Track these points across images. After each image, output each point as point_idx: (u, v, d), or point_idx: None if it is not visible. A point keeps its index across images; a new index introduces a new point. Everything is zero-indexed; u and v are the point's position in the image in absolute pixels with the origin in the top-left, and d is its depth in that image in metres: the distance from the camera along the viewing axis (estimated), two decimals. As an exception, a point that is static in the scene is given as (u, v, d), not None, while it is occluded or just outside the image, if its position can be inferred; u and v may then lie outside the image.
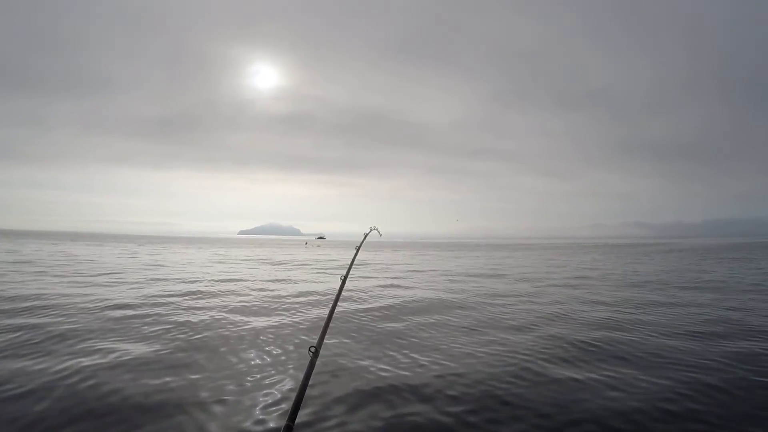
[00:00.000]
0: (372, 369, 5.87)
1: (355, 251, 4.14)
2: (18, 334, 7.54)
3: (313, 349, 2.08)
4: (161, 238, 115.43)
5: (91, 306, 10.34)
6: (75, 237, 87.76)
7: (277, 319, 9.48)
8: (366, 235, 4.53)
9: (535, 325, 8.61)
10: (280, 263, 28.81)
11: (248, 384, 5.35)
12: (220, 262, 27.97)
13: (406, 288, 15.14)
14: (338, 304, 2.62)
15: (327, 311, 2.54)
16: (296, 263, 28.69)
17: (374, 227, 4.64)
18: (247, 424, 4.18)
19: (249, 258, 33.77)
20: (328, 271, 23.12)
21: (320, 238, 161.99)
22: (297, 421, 1.69)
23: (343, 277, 3.07)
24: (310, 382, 1.95)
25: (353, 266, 3.44)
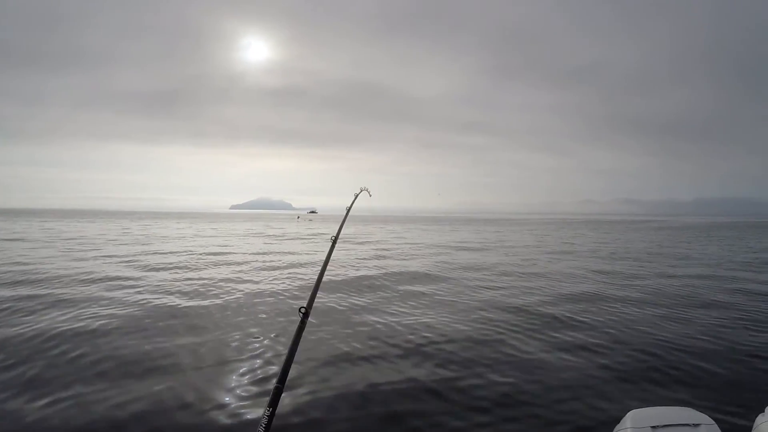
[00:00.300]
0: (360, 333, 6.04)
1: (345, 212, 4.07)
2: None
3: (303, 310, 2.04)
4: (162, 214, 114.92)
5: (83, 278, 10.32)
6: (76, 214, 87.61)
7: (269, 285, 9.59)
8: (356, 196, 4.43)
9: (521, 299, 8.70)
10: (273, 236, 28.80)
11: (238, 347, 5.44)
12: (213, 236, 27.94)
13: (397, 260, 15.22)
14: (330, 268, 2.61)
15: (317, 275, 2.48)
16: (289, 236, 28.68)
17: (364, 188, 4.53)
18: (238, 386, 4.24)
19: (241, 232, 33.70)
20: (320, 242, 23.19)
21: (312, 212, 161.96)
22: (287, 382, 1.68)
23: (333, 238, 3.00)
24: (300, 345, 1.91)
25: (343, 228, 3.38)
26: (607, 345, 5.64)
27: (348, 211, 4.10)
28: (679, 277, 11.59)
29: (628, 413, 2.05)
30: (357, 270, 12.17)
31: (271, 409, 1.57)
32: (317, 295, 2.22)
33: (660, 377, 4.62)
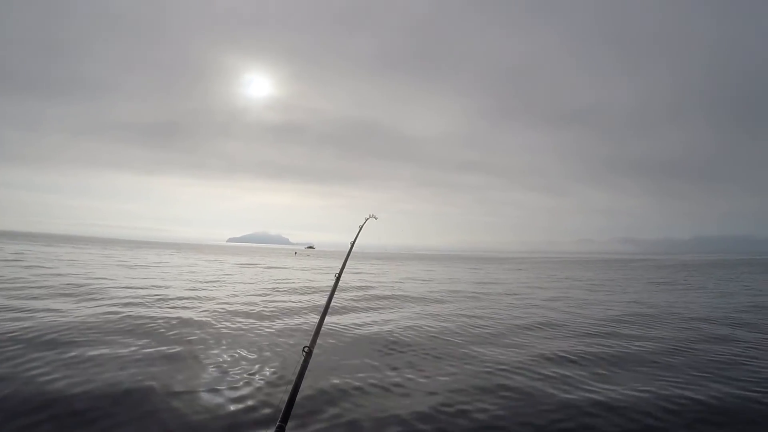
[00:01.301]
0: (362, 373, 6.06)
1: (350, 246, 4.13)
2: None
3: (306, 349, 2.14)
4: (159, 244, 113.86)
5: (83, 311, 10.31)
6: (69, 240, 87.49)
7: (271, 321, 9.65)
8: (361, 228, 4.46)
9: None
10: (271, 268, 28.68)
11: (241, 384, 5.51)
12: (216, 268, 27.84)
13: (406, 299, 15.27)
14: (332, 305, 2.70)
15: (320, 313, 2.59)
16: (290, 269, 28.60)
17: (371, 214, 4.53)
18: (240, 424, 4.33)
19: (241, 264, 33.50)
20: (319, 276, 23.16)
21: (309, 247, 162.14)
22: (289, 422, 1.74)
23: (337, 275, 3.13)
24: (303, 383, 2.01)
25: (347, 264, 3.52)
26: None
27: (352, 245, 4.09)
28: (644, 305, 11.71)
29: None
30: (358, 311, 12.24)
31: None
32: (320, 333, 2.36)
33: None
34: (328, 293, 2.81)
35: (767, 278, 28.85)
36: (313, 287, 17.41)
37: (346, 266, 3.53)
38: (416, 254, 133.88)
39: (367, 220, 4.61)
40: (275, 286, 17.99)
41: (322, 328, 2.41)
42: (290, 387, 1.91)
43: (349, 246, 4.06)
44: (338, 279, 2.95)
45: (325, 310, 2.61)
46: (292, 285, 17.57)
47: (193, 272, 23.90)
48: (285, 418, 1.75)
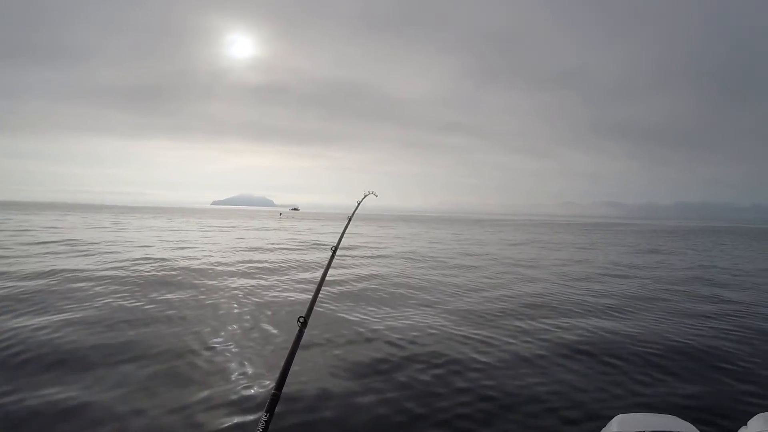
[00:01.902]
0: (358, 343, 6.14)
1: (347, 220, 4.02)
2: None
3: (301, 320, 2.08)
4: (146, 209, 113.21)
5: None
6: (52, 207, 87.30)
7: (267, 291, 9.58)
8: (359, 203, 4.35)
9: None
10: (261, 230, 28.59)
11: (236, 353, 5.52)
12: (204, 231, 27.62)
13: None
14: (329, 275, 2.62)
15: (316, 283, 2.52)
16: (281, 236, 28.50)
17: (370, 191, 4.45)
18: (235, 394, 4.31)
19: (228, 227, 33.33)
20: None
21: (294, 209, 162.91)
22: (284, 389, 1.72)
23: (333, 248, 3.02)
24: (298, 353, 1.97)
25: (344, 238, 3.42)
26: (589, 346, 5.84)
27: (350, 219, 4.03)
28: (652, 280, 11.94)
29: (615, 417, 2.14)
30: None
31: (268, 415, 1.60)
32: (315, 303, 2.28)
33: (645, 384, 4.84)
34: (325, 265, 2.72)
35: (749, 247, 29.47)
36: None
37: (342, 240, 3.42)
38: (400, 216, 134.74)
39: (366, 196, 4.51)
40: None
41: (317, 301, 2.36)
42: (285, 357, 1.81)
43: (347, 221, 3.96)
44: (334, 252, 2.84)
45: (321, 282, 2.50)
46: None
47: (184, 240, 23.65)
48: (279, 386, 1.71)
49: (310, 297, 2.33)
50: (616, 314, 8.13)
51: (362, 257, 16.70)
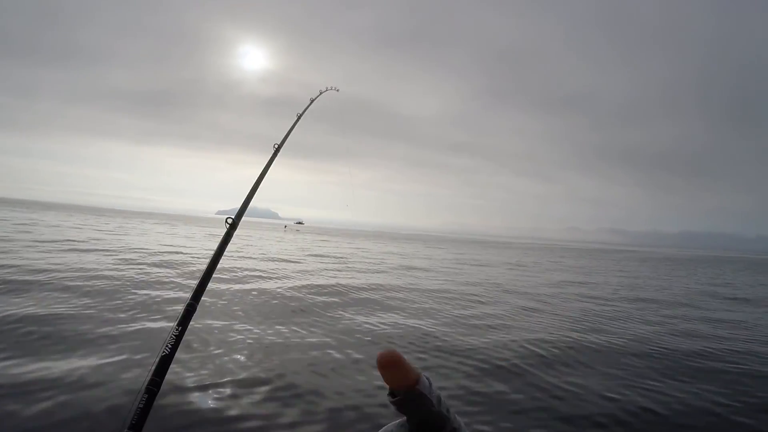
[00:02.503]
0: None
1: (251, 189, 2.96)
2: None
3: (229, 221, 2.07)
4: (148, 215, 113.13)
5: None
6: (61, 208, 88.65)
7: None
8: (311, 101, 3.68)
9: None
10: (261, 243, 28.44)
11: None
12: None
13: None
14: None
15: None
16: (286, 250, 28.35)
17: (332, 86, 3.90)
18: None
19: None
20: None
21: (299, 223, 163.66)
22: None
23: (229, 220, 2.19)
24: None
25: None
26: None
27: (281, 144, 3.06)
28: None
29: None
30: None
31: (180, 328, 1.49)
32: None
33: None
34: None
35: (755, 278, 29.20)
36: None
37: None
38: (403, 234, 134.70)
39: (322, 93, 3.89)
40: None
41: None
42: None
43: (256, 180, 2.71)
44: (233, 226, 2.13)
45: (211, 268, 1.94)
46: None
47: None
48: (197, 297, 1.67)
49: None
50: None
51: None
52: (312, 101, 3.69)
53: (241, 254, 19.88)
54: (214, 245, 1.87)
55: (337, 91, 4.02)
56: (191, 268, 13.35)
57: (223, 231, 1.96)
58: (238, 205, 2.38)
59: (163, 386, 1.32)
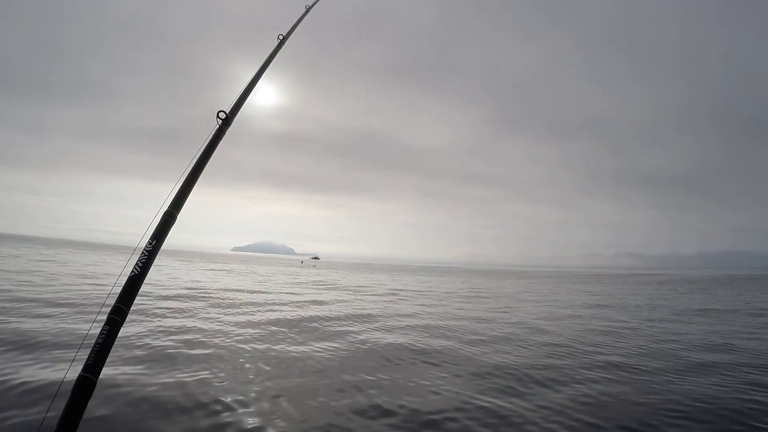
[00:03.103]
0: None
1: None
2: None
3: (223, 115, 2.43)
4: (167, 252, 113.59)
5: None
6: (71, 245, 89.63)
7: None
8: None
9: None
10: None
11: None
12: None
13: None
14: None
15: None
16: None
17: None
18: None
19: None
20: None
21: (315, 258, 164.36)
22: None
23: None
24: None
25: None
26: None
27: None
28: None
29: None
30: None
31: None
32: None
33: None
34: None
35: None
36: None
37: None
38: (419, 267, 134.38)
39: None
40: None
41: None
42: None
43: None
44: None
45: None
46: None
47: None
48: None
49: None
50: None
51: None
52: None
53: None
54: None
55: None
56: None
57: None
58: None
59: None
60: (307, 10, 4.07)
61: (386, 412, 5.07)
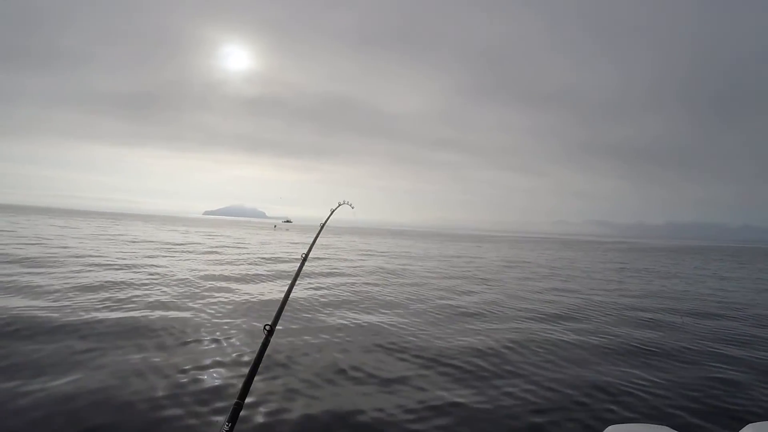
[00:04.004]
0: (322, 354, 6.15)
1: (320, 227, 3.97)
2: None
3: (268, 328, 2.09)
4: (135, 216, 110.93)
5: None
6: (44, 212, 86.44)
7: (233, 295, 9.75)
8: (333, 211, 4.28)
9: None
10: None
11: (200, 361, 5.48)
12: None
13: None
14: (298, 283, 2.59)
15: (285, 290, 2.45)
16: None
17: (345, 201, 4.41)
18: (197, 401, 4.31)
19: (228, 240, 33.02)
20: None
21: (287, 221, 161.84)
22: (247, 400, 1.73)
23: (303, 255, 2.97)
24: (263, 362, 1.95)
25: (315, 246, 3.47)
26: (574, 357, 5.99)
27: (322, 226, 3.90)
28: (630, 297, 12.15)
29: (607, 428, 2.15)
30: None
31: (230, 424, 1.61)
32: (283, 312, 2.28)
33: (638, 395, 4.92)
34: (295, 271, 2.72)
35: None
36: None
37: (314, 247, 3.47)
38: (392, 230, 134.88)
39: (340, 205, 4.46)
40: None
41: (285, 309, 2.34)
42: (250, 365, 1.86)
43: (319, 228, 3.89)
44: (305, 260, 2.76)
45: (290, 289, 2.50)
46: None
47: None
48: (243, 395, 1.74)
49: (278, 305, 2.32)
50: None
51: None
52: (332, 212, 4.25)
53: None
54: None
55: (352, 207, 4.49)
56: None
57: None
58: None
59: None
60: (321, 228, 3.98)
61: None
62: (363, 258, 22.84)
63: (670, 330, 8.48)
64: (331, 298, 10.30)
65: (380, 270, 17.36)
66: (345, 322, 7.91)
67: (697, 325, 9.14)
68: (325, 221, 4.02)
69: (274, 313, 2.25)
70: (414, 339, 6.97)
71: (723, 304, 12.28)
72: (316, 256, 18.50)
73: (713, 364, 6.25)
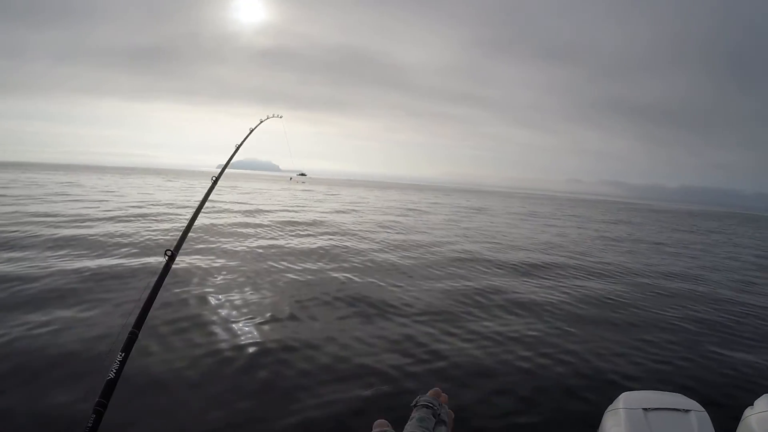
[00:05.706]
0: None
1: (233, 150, 3.40)
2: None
3: (168, 253, 1.91)
4: (147, 171, 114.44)
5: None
6: (63, 168, 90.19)
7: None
8: (252, 130, 3.58)
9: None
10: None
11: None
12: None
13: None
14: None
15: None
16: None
17: (274, 114, 3.72)
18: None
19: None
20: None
21: (302, 174, 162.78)
22: (143, 327, 1.62)
23: (214, 178, 2.63)
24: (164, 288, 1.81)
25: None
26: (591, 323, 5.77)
27: (244, 141, 3.40)
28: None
29: (621, 395, 2.18)
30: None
31: (123, 354, 1.52)
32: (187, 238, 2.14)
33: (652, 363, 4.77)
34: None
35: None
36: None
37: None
38: (406, 185, 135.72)
39: (262, 121, 3.65)
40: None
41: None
42: (147, 292, 1.72)
43: (224, 163, 3.26)
44: (215, 183, 2.55)
45: (195, 215, 2.31)
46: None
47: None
48: (138, 324, 1.62)
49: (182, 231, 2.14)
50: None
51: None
52: (252, 131, 3.46)
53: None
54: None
55: (281, 117, 3.80)
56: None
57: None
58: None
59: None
60: (237, 149, 3.34)
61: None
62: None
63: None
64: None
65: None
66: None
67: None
68: (249, 134, 3.34)
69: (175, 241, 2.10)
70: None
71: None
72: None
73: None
